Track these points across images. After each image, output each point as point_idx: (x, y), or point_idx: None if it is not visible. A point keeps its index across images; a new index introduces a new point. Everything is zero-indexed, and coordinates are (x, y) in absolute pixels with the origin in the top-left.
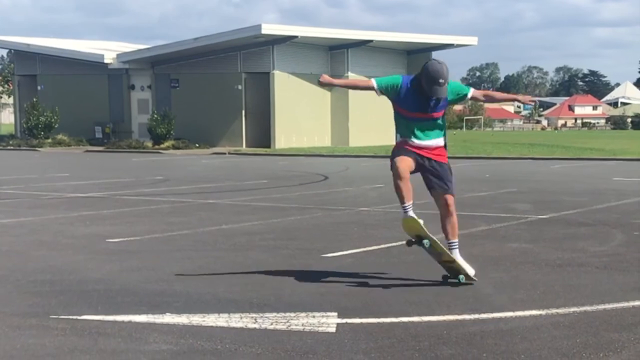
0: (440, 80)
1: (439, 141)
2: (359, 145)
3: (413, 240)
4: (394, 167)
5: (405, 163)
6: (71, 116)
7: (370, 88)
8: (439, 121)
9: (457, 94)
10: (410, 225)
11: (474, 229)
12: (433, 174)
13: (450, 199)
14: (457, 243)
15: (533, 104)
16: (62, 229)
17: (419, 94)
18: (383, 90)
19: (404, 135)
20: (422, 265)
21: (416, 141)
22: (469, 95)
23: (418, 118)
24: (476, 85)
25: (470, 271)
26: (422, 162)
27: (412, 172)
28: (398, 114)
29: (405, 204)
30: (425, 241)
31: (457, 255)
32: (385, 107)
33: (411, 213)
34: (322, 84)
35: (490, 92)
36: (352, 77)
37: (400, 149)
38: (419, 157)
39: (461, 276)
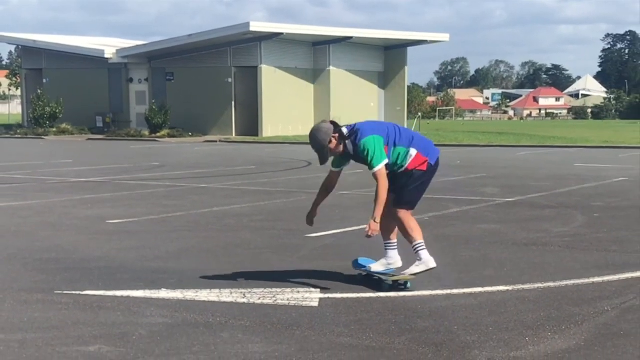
0: (315, 148)
1: (397, 170)
2: None
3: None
4: None
5: None
6: (74, 107)
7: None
8: (393, 156)
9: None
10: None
11: (446, 211)
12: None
13: (398, 214)
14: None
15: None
16: (66, 211)
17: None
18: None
19: None
20: (399, 244)
21: None
22: (371, 170)
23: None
24: (447, 79)
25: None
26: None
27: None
28: None
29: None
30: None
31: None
32: (365, 99)
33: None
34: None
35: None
36: (334, 71)
37: None
38: None
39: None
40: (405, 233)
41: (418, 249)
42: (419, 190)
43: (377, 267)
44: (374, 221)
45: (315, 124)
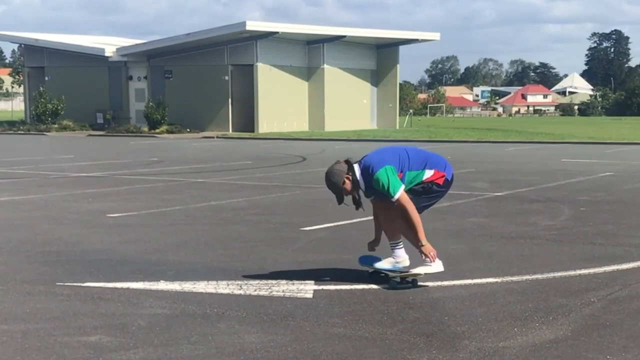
0: (334, 192)
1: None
2: (333, 130)
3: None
4: None
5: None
6: (75, 104)
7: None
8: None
9: (381, 193)
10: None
11: (437, 205)
12: None
13: (395, 202)
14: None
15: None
16: (67, 205)
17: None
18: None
19: None
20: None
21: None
22: (394, 201)
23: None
24: (438, 76)
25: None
26: None
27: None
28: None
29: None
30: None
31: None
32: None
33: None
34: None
35: (410, 217)
36: (327, 69)
37: None
38: None
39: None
40: (409, 226)
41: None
42: (428, 201)
43: (383, 264)
44: (424, 246)
45: (329, 167)
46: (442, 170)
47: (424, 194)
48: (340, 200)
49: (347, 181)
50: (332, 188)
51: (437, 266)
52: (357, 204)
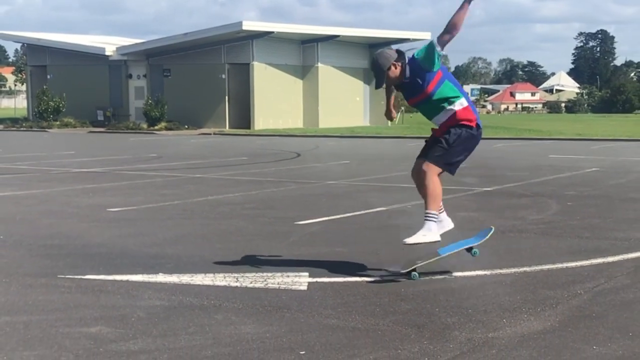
0: (373, 72)
1: (443, 116)
2: (327, 126)
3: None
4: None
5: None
6: (76, 101)
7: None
8: (435, 96)
9: (424, 59)
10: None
11: None
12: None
13: (424, 165)
14: (429, 215)
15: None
16: (68, 200)
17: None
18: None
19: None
20: (383, 231)
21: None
22: (437, 49)
23: (413, 103)
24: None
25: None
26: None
27: None
28: None
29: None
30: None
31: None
32: (351, 94)
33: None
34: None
35: (450, 23)
36: (321, 67)
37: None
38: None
39: (475, 250)
40: (425, 193)
41: (431, 218)
42: (462, 154)
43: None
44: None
45: (380, 50)
46: (473, 111)
47: (457, 144)
48: (378, 84)
49: (392, 67)
50: (377, 69)
51: (432, 235)
52: (389, 97)
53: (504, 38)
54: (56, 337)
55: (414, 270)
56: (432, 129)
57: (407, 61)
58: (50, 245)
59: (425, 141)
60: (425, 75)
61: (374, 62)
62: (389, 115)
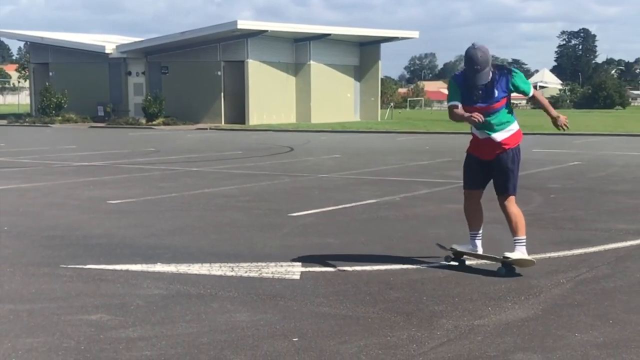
0: (476, 67)
1: (504, 134)
2: (319, 121)
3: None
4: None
5: (470, 184)
6: (78, 97)
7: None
8: (502, 112)
9: (517, 88)
10: None
11: (416, 192)
12: (495, 169)
13: (508, 200)
14: (519, 240)
15: (566, 128)
16: (70, 192)
17: (468, 87)
18: (460, 103)
19: (475, 128)
20: (373, 222)
21: (480, 136)
22: (530, 94)
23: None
24: (417, 72)
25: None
26: (490, 164)
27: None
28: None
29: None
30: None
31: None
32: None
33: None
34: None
35: (541, 98)
36: (314, 65)
37: (467, 158)
38: (482, 160)
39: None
40: (516, 224)
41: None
42: (518, 175)
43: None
44: (560, 116)
45: (476, 45)
46: (521, 135)
47: (516, 168)
48: (480, 80)
49: (489, 70)
50: (480, 63)
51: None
52: (477, 98)
53: (490, 37)
54: (58, 325)
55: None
56: (477, 149)
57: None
58: (52, 236)
59: (472, 168)
60: (504, 89)
61: (483, 56)
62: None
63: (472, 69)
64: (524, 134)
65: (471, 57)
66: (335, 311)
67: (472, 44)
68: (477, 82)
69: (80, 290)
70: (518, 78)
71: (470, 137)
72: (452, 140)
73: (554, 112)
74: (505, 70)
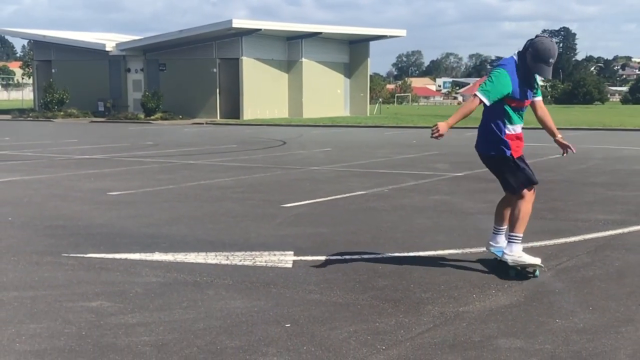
0: (551, 60)
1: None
2: (310, 116)
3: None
4: (532, 183)
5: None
6: (79, 93)
7: (480, 103)
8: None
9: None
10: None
11: (403, 184)
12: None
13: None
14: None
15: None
16: (71, 184)
17: (525, 79)
18: (496, 100)
19: (514, 123)
20: (362, 213)
21: (519, 130)
22: (536, 100)
23: (525, 106)
24: (404, 69)
25: (535, 261)
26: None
27: None
28: (508, 106)
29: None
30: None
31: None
32: (332, 87)
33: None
34: (441, 135)
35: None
36: (305, 62)
37: (518, 157)
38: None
39: (537, 271)
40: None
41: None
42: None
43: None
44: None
45: (545, 37)
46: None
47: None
48: (543, 73)
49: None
50: (555, 57)
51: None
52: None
53: (474, 35)
54: (60, 311)
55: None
56: (518, 148)
57: None
58: (55, 226)
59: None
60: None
61: (556, 50)
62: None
63: (547, 62)
64: None
65: (549, 50)
66: (325, 298)
67: (544, 34)
68: (546, 75)
69: (82, 278)
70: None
71: (505, 136)
72: None
73: (557, 136)
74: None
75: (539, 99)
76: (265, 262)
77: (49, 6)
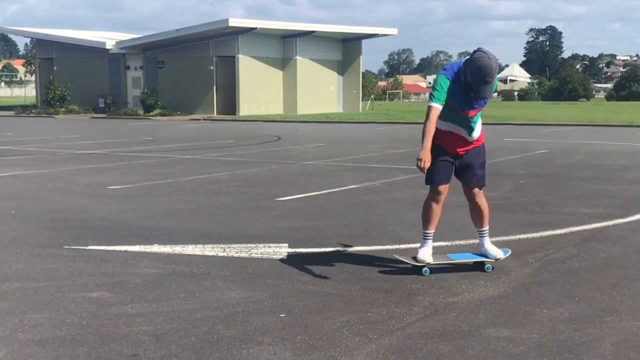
0: (488, 79)
1: (478, 132)
2: (305, 113)
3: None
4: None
5: (445, 180)
6: (80, 90)
7: (436, 110)
8: (478, 116)
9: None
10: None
11: (395, 178)
12: (467, 165)
13: (480, 193)
14: (486, 231)
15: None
16: (72, 178)
17: (463, 91)
18: (444, 104)
19: (448, 121)
20: (355, 206)
21: (453, 130)
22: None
23: (467, 117)
24: (395, 66)
25: (500, 254)
26: (460, 159)
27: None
28: (448, 107)
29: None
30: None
31: (487, 244)
32: (326, 84)
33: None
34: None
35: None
36: (299, 60)
37: (439, 153)
38: (457, 156)
39: (488, 266)
40: (484, 214)
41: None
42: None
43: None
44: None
45: (489, 54)
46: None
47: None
48: (479, 92)
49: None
50: (493, 76)
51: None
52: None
53: (463, 33)
54: (62, 301)
55: (424, 266)
56: (446, 143)
57: None
58: (56, 219)
59: (445, 161)
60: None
61: (492, 69)
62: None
63: (483, 80)
64: (496, 124)
65: (485, 68)
66: (319, 289)
67: (482, 51)
68: (484, 95)
69: (83, 269)
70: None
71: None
72: None
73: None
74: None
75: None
76: (261, 254)
77: (51, 5)
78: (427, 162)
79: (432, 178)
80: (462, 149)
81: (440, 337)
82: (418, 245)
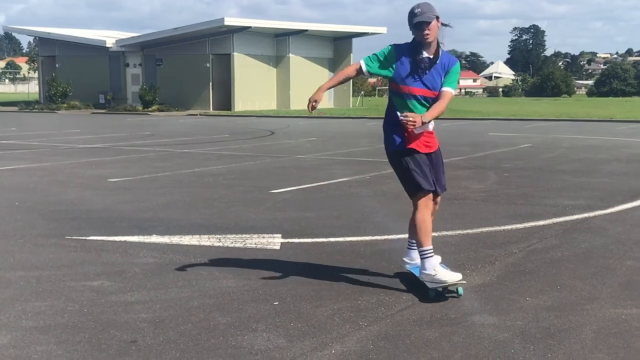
0: (416, 10)
1: (432, 123)
2: (297, 108)
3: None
4: (421, 190)
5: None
6: (81, 87)
7: (360, 72)
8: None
9: (449, 74)
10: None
11: (383, 171)
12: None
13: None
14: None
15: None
16: (74, 171)
17: (411, 60)
18: (374, 72)
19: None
20: (345, 198)
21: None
22: (453, 92)
23: (412, 94)
24: None
25: (455, 278)
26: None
27: None
28: (395, 93)
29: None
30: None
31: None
32: (318, 81)
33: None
34: (315, 105)
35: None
36: (292, 57)
37: (414, 153)
38: (428, 154)
39: (460, 289)
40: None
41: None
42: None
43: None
44: (423, 118)
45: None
46: None
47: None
48: (420, 29)
49: (438, 21)
50: (428, 16)
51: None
52: (422, 72)
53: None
54: (64, 290)
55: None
56: (413, 142)
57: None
58: (58, 211)
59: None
60: (442, 79)
61: (426, 6)
62: (311, 102)
63: (414, 13)
64: (481, 119)
65: (411, 10)
66: (311, 278)
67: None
68: (420, 19)
69: (84, 259)
70: (458, 68)
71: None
72: None
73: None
74: (446, 53)
75: (445, 89)
76: (255, 244)
77: (53, 5)
78: (313, 99)
79: (418, 185)
80: (431, 147)
81: (428, 324)
82: (406, 236)
